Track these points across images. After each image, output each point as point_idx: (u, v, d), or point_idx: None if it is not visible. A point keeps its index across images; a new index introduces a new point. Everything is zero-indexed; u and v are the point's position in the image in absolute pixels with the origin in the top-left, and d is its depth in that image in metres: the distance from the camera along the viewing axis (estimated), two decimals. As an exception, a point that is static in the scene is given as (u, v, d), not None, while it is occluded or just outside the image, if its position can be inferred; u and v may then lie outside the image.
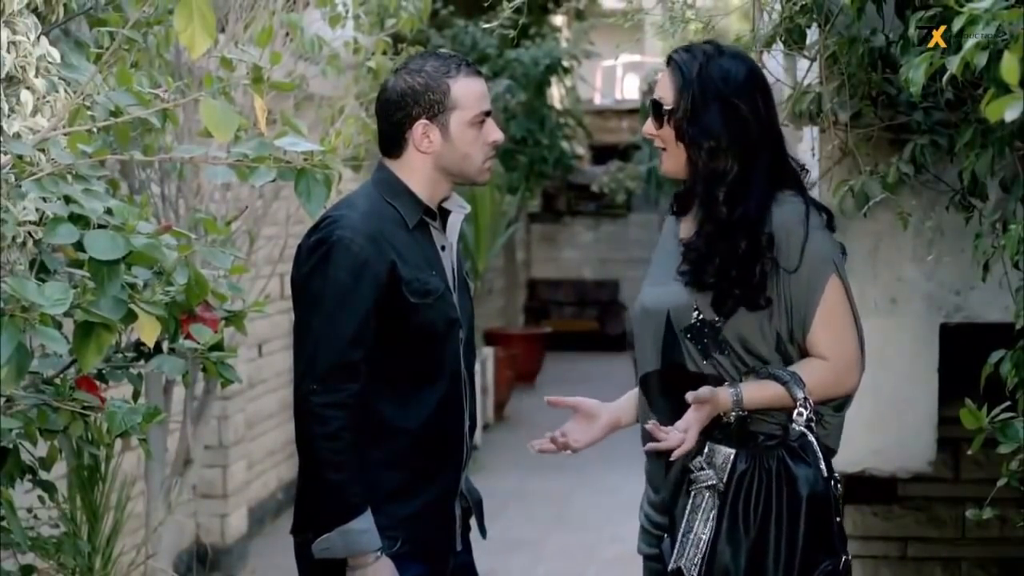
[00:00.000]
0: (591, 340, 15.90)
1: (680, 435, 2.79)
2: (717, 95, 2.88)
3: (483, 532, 3.19)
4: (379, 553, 2.92)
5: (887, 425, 3.79)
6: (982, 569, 4.45)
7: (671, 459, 2.84)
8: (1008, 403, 2.84)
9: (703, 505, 2.79)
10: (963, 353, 3.43)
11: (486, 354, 10.88)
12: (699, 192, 2.92)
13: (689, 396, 2.81)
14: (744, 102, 2.89)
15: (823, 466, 2.81)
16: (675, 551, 2.80)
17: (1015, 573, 4.35)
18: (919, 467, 3.85)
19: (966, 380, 3.13)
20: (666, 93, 2.95)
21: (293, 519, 3.05)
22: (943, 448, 3.92)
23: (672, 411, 2.86)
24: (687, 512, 2.81)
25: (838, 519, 2.82)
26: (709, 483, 2.79)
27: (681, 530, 2.80)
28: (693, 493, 2.81)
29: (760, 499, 2.77)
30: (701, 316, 2.87)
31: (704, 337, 2.87)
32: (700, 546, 2.78)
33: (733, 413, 2.83)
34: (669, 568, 2.81)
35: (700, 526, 2.79)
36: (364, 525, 2.90)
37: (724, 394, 2.83)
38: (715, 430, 2.83)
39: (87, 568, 3.90)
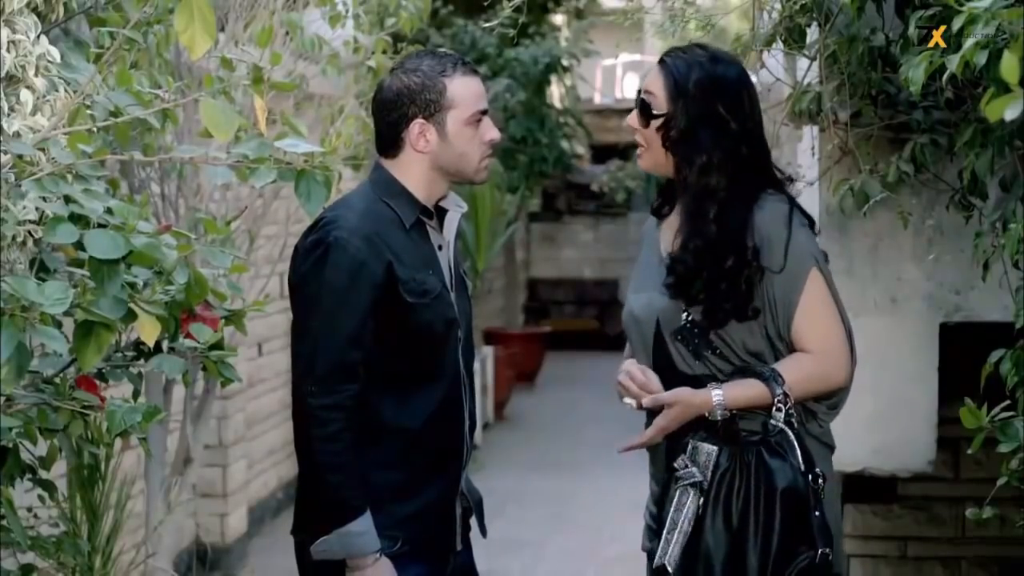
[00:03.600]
0: (591, 339, 15.89)
1: (650, 432, 2.92)
2: (711, 110, 2.90)
3: (483, 532, 3.19)
4: (378, 555, 2.91)
5: (887, 424, 3.79)
6: (982, 568, 4.45)
7: (624, 449, 2.98)
8: (1008, 402, 2.84)
9: (687, 502, 2.82)
10: (963, 352, 3.43)
11: (486, 353, 10.87)
12: (688, 207, 2.94)
13: (646, 401, 2.90)
14: (736, 116, 2.91)
15: (800, 460, 2.84)
16: (659, 547, 2.83)
17: (1015, 572, 4.35)
18: (919, 466, 3.85)
19: (966, 379, 3.13)
20: (657, 94, 2.95)
21: (293, 519, 3.05)
22: (943, 447, 3.92)
23: None
24: (671, 510, 2.84)
25: (817, 512, 2.84)
26: (693, 480, 2.82)
27: (666, 527, 2.84)
28: (678, 491, 2.84)
29: (740, 493, 2.82)
30: (691, 318, 2.89)
31: (695, 338, 2.90)
32: (683, 542, 2.81)
33: (719, 412, 2.85)
34: (654, 565, 2.85)
35: (684, 523, 2.82)
36: (363, 527, 2.90)
37: (704, 395, 2.87)
38: (700, 429, 2.86)
39: (87, 567, 3.90)
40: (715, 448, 2.83)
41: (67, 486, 4.04)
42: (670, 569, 2.81)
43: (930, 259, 3.70)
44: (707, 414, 2.87)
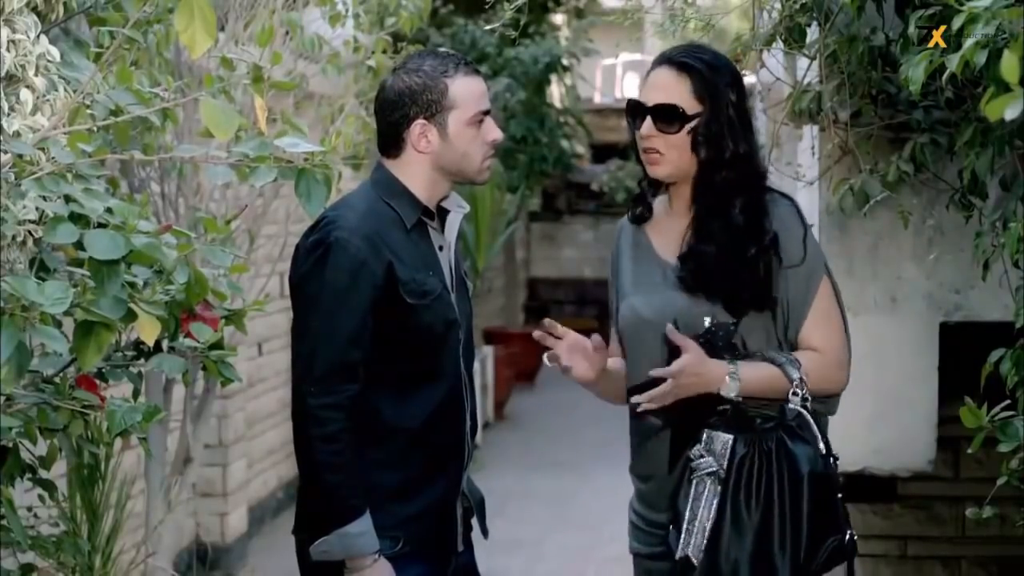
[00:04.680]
0: (591, 339, 15.87)
1: (664, 388, 2.82)
2: (736, 104, 2.91)
3: (484, 532, 3.19)
4: (377, 556, 2.91)
5: (887, 424, 3.79)
6: (982, 567, 4.45)
7: (639, 402, 2.88)
8: (1008, 402, 2.84)
9: (705, 492, 2.81)
10: (963, 352, 3.43)
11: (486, 353, 10.87)
12: (710, 201, 2.92)
13: (653, 372, 2.83)
14: (742, 105, 2.93)
15: (822, 444, 2.84)
16: (681, 540, 2.82)
17: (1015, 571, 4.35)
18: (919, 466, 3.85)
19: (966, 379, 3.13)
20: (683, 99, 2.90)
21: (295, 519, 3.05)
22: (943, 447, 3.92)
23: (679, 412, 2.88)
24: (690, 500, 2.82)
25: (840, 495, 2.85)
26: (709, 470, 2.81)
27: (686, 518, 2.82)
28: (695, 481, 2.82)
29: (761, 481, 2.80)
30: (716, 320, 2.87)
31: (718, 340, 2.87)
32: (705, 533, 2.80)
33: (733, 396, 2.83)
34: (676, 556, 2.82)
35: (704, 513, 2.81)
36: (361, 528, 2.90)
37: (718, 369, 2.84)
38: (712, 416, 2.85)
39: (87, 567, 3.90)
40: (730, 436, 2.81)
41: (67, 486, 4.04)
42: (695, 561, 2.80)
43: (930, 259, 3.70)
44: (719, 391, 2.84)
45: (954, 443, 4.09)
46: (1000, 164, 3.04)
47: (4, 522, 2.80)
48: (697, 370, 2.83)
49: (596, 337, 2.98)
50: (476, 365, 3.25)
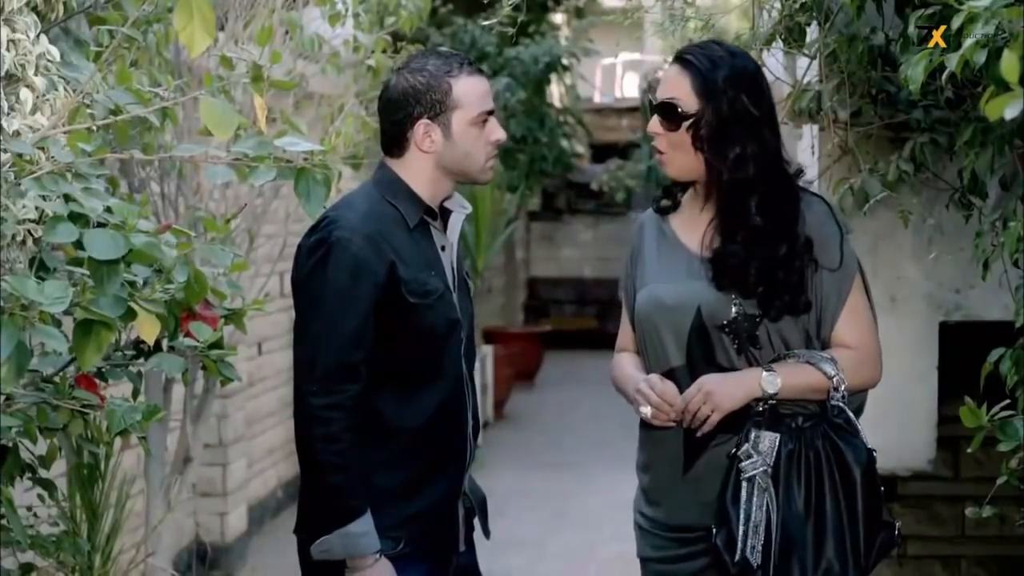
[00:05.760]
0: (591, 338, 15.89)
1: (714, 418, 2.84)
2: (739, 104, 2.87)
3: (486, 532, 3.19)
4: (378, 555, 2.91)
5: (887, 423, 3.79)
6: (981, 567, 4.45)
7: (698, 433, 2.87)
8: (1008, 401, 2.84)
9: (755, 491, 2.81)
10: (963, 351, 3.44)
11: (486, 352, 10.88)
12: (727, 203, 2.91)
13: (679, 406, 2.85)
14: (759, 105, 2.90)
15: (866, 437, 2.86)
16: (739, 542, 2.80)
17: (1014, 571, 4.35)
18: (919, 465, 3.85)
19: (966, 378, 3.13)
20: (683, 96, 2.90)
21: (296, 517, 3.05)
22: (943, 446, 3.92)
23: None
24: (742, 501, 2.81)
25: (882, 488, 2.88)
26: (759, 469, 2.81)
27: (740, 519, 2.81)
28: (744, 482, 2.82)
29: (811, 478, 2.81)
30: (743, 311, 2.88)
31: (743, 331, 2.87)
32: (760, 532, 2.80)
33: (776, 390, 2.83)
34: (735, 559, 2.80)
35: (758, 513, 2.80)
36: (363, 527, 2.90)
37: (749, 372, 2.85)
38: (754, 416, 2.85)
39: (87, 566, 3.90)
40: (777, 435, 2.82)
41: (67, 485, 4.03)
42: (754, 563, 2.79)
43: (930, 258, 3.71)
44: (762, 387, 2.83)
45: (954, 443, 4.09)
46: (1000, 164, 3.04)
47: (4, 522, 2.80)
48: (716, 379, 2.84)
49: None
50: (476, 365, 3.24)
